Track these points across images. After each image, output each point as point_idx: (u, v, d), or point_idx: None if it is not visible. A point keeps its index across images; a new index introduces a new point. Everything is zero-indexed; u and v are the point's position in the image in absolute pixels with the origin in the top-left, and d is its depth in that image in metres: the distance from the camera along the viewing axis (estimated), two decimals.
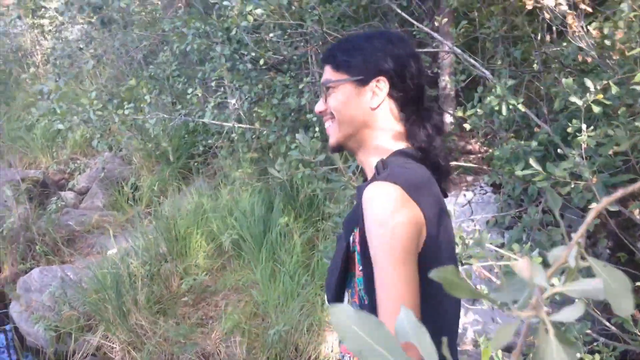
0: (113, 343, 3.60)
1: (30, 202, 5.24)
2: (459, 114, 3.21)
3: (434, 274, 0.44)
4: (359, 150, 1.29)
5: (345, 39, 1.32)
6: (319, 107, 1.32)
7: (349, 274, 1.28)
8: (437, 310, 1.19)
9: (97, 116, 4.80)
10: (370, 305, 1.17)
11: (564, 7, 2.15)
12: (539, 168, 2.04)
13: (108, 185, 5.90)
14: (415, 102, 1.26)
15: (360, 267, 1.19)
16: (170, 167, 5.63)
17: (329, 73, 1.28)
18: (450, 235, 1.25)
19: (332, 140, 1.30)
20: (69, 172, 6.40)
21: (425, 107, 1.29)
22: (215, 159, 5.50)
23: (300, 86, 4.51)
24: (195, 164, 5.68)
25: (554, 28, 3.09)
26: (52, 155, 6.82)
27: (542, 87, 3.37)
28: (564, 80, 2.26)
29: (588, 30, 2.23)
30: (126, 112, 4.71)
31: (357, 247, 1.20)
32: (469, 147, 4.73)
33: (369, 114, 1.25)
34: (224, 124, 4.87)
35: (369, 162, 1.27)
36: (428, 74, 4.15)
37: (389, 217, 1.10)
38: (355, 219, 1.23)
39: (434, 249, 1.15)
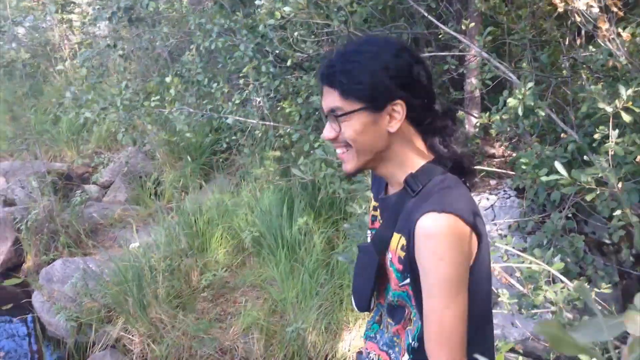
0: (133, 335, 3.65)
1: (55, 195, 5.32)
2: (483, 120, 3.20)
3: (538, 330, 0.42)
4: (380, 166, 1.27)
5: (346, 55, 1.20)
6: (329, 134, 1.23)
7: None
8: (481, 328, 1.26)
9: (124, 105, 4.89)
10: (420, 320, 1.23)
11: (595, 10, 2.13)
12: (565, 173, 2.02)
13: (131, 179, 5.98)
14: (428, 111, 1.25)
15: (400, 284, 1.24)
16: (193, 164, 5.68)
17: (336, 99, 1.19)
18: (487, 239, 1.26)
19: (350, 167, 1.25)
20: (93, 166, 6.49)
21: (439, 116, 1.27)
22: (237, 156, 5.54)
23: None
24: (218, 161, 5.72)
25: (582, 32, 3.06)
26: (77, 149, 6.94)
27: (569, 93, 3.33)
28: (592, 86, 2.23)
29: (620, 34, 2.20)
30: (152, 104, 4.79)
31: (398, 266, 1.23)
32: (493, 151, 4.70)
33: (387, 138, 1.22)
34: (248, 120, 4.89)
35: (393, 175, 1.27)
36: (452, 76, 4.12)
37: (448, 253, 1.12)
38: (389, 237, 1.26)
39: (478, 260, 1.19)
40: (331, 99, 1.20)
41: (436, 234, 1.12)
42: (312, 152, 4.25)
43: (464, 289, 1.15)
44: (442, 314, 1.14)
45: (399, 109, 1.20)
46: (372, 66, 1.18)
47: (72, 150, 6.94)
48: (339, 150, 1.25)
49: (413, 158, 1.25)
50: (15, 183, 5.77)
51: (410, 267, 1.19)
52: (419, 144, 1.26)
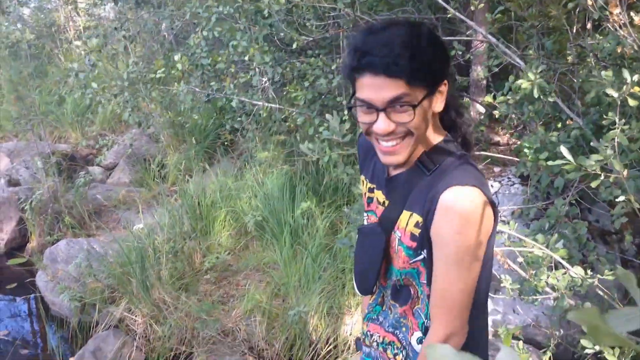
0: (136, 316, 3.67)
1: (59, 176, 5.34)
2: (488, 99, 3.19)
3: (574, 316, 0.39)
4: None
5: (401, 42, 1.13)
6: (387, 126, 1.15)
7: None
8: (482, 305, 1.28)
9: (130, 79, 4.89)
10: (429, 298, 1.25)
11: None
12: (571, 158, 2.01)
13: (135, 162, 5.98)
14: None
15: (411, 261, 1.25)
16: (197, 147, 5.68)
17: (402, 88, 1.12)
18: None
19: (402, 157, 1.21)
20: (97, 148, 6.50)
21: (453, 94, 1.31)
22: (241, 139, 5.53)
23: (333, 67, 4.54)
24: (222, 144, 5.72)
25: (590, 20, 3.03)
26: (81, 131, 6.94)
27: (575, 80, 3.31)
28: (602, 72, 2.22)
29: (632, 20, 2.18)
30: (157, 76, 4.81)
31: (410, 244, 1.24)
32: (497, 138, 4.69)
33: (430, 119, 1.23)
34: (255, 102, 4.89)
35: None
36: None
37: (468, 226, 1.13)
38: (397, 216, 1.27)
39: (491, 237, 1.21)
40: (395, 88, 1.12)
41: (459, 206, 1.13)
42: (317, 136, 4.25)
43: (477, 264, 1.17)
44: (451, 283, 1.16)
45: (443, 88, 1.21)
46: (432, 49, 1.16)
47: (77, 131, 6.94)
48: (390, 143, 1.19)
49: (430, 137, 1.25)
50: (19, 163, 5.78)
51: (427, 242, 1.20)
52: (437, 122, 1.27)
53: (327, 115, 4.00)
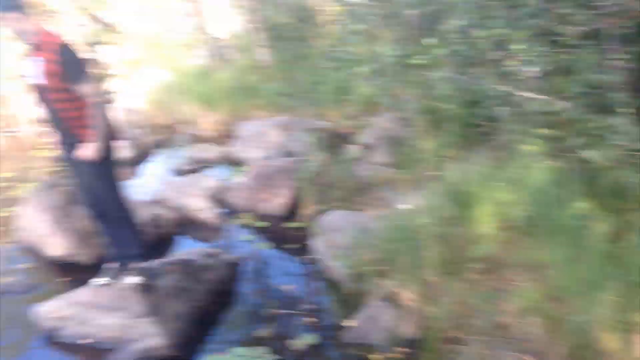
0: (406, 293, 3.81)
1: (326, 151, 5.77)
2: None
3: None
4: None
5: None
6: None
7: None
8: None
9: (393, 61, 5.07)
10: None
11: None
12: None
13: (390, 144, 6.20)
14: None
15: None
16: (453, 134, 5.69)
17: None
18: None
19: None
20: (355, 128, 6.88)
21: None
22: (500, 129, 5.39)
23: (612, 62, 4.21)
24: (479, 133, 5.64)
25: None
26: (339, 111, 7.39)
27: None
28: None
29: None
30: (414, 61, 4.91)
31: None
32: None
33: None
34: (521, 93, 4.73)
35: None
36: None
37: None
38: None
39: None
40: None
41: None
42: (606, 136, 3.97)
43: None
44: None
45: None
46: None
47: (335, 111, 7.42)
48: None
49: None
50: (290, 136, 6.38)
51: None
52: None
53: (615, 120, 3.67)
